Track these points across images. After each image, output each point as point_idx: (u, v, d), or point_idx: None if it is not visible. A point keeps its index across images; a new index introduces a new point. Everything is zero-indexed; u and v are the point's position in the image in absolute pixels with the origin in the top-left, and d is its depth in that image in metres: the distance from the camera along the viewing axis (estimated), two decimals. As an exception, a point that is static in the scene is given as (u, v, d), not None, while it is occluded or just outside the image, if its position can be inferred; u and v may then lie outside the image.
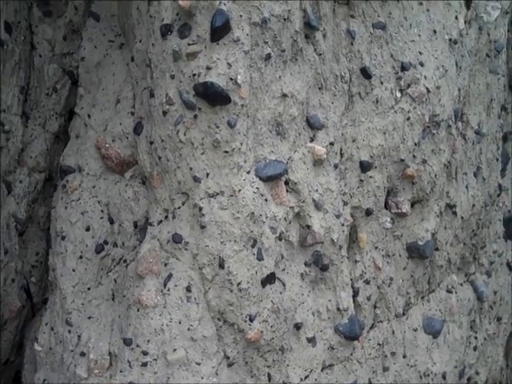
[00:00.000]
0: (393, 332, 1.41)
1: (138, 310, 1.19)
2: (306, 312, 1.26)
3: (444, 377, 1.51)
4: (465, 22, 1.49)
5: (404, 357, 1.42)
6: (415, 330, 1.44)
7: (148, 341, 1.18)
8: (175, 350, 1.17)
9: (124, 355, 1.19)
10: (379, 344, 1.38)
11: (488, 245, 1.67)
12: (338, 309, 1.30)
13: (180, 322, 1.18)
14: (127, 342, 1.19)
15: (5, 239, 1.32)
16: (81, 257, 1.30)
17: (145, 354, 1.18)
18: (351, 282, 1.34)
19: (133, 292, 1.21)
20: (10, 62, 1.30)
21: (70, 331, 1.27)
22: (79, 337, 1.26)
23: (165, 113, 1.18)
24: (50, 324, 1.31)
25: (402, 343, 1.42)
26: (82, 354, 1.24)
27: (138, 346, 1.18)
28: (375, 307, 1.39)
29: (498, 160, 1.63)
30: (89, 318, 1.27)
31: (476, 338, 1.61)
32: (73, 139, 1.35)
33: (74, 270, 1.30)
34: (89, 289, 1.29)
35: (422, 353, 1.44)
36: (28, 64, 1.37)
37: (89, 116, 1.33)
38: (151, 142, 1.21)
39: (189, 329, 1.18)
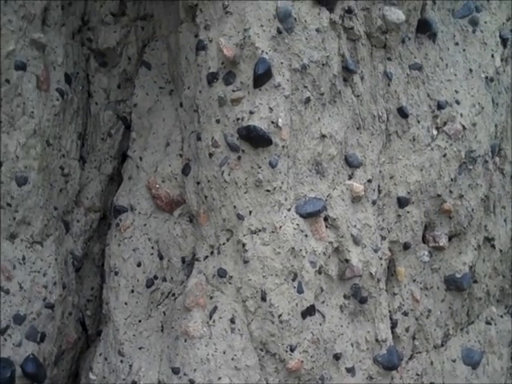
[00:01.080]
0: (431, 363, 1.44)
1: (185, 341, 1.25)
2: (345, 343, 1.31)
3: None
4: (501, 59, 1.53)
5: None
6: (454, 361, 1.47)
7: (195, 370, 1.24)
8: (220, 378, 1.23)
9: (172, 383, 1.26)
10: (418, 374, 1.41)
11: (529, 277, 1.68)
12: (377, 340, 1.33)
13: (224, 352, 1.24)
14: (175, 371, 1.25)
15: (63, 275, 1.39)
16: (132, 291, 1.37)
17: (192, 382, 1.23)
18: (390, 313, 1.37)
19: (180, 324, 1.27)
20: (70, 110, 1.39)
21: (122, 361, 1.34)
22: (131, 366, 1.33)
23: (211, 155, 1.26)
24: (103, 354, 1.38)
25: (441, 374, 1.44)
26: (133, 383, 1.30)
27: (185, 374, 1.24)
28: (414, 338, 1.42)
29: (536, 193, 1.65)
30: (140, 348, 1.34)
31: (518, 368, 1.62)
32: (125, 180, 1.43)
33: (126, 304, 1.37)
34: (140, 321, 1.36)
35: (462, 383, 1.46)
36: (85, 111, 1.46)
37: (140, 158, 1.42)
38: (198, 182, 1.28)
39: (233, 358, 1.23)
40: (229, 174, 1.24)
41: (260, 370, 1.24)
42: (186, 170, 1.33)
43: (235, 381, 1.23)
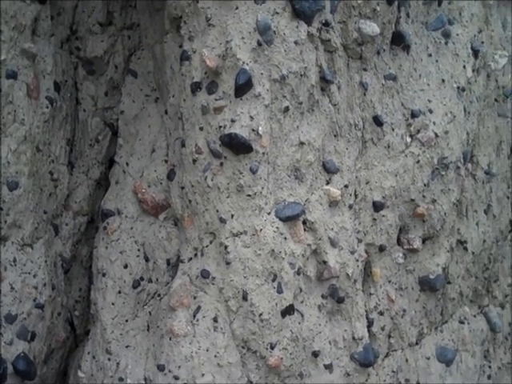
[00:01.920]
0: (406, 360, 1.50)
1: (170, 339, 1.31)
2: (324, 341, 1.36)
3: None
4: (473, 70, 1.60)
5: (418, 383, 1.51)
6: (428, 359, 1.53)
7: (179, 367, 1.29)
8: (203, 375, 1.28)
9: (158, 380, 1.31)
10: (393, 371, 1.47)
11: (502, 278, 1.75)
12: (354, 338, 1.39)
13: (208, 350, 1.29)
14: (160, 368, 1.31)
15: (52, 276, 1.43)
16: (119, 292, 1.42)
17: (176, 378, 1.29)
18: (366, 313, 1.44)
19: (165, 323, 1.32)
20: (59, 117, 1.44)
21: (109, 359, 1.39)
22: (118, 364, 1.38)
23: (194, 161, 1.31)
24: (91, 353, 1.43)
25: (416, 371, 1.50)
26: (121, 379, 1.36)
27: (170, 371, 1.29)
28: (389, 337, 1.48)
29: (508, 198, 1.72)
30: (126, 346, 1.39)
31: (490, 367, 1.68)
32: (113, 185, 1.48)
33: (113, 304, 1.42)
34: (126, 321, 1.41)
35: (436, 380, 1.52)
36: (73, 118, 1.50)
37: (127, 164, 1.47)
38: (182, 187, 1.34)
39: (215, 356, 1.29)
40: (212, 180, 1.29)
41: (242, 367, 1.30)
42: (170, 176, 1.39)
43: (218, 377, 1.29)
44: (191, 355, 1.29)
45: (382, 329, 1.46)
